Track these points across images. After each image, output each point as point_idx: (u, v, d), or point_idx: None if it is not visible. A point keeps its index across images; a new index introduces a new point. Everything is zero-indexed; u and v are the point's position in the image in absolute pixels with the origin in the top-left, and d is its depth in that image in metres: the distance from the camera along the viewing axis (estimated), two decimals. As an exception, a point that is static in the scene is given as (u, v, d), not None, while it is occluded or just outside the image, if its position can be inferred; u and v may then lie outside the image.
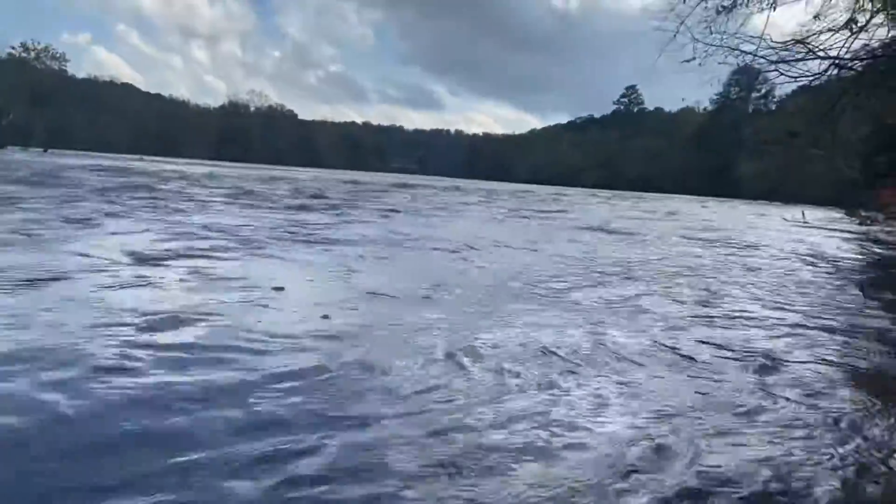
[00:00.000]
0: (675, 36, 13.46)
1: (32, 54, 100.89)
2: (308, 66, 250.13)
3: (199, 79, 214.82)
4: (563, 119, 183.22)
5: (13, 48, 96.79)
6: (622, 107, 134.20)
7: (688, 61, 13.28)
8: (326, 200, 17.77)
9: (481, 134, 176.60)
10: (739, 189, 77.76)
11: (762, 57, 13.12)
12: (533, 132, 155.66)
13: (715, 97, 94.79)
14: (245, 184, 24.35)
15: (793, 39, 12.73)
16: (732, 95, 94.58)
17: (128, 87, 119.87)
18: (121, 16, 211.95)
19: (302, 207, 14.40)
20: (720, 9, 13.91)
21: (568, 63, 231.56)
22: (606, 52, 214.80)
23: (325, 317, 4.07)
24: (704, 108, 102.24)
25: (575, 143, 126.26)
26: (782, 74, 12.98)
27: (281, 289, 4.81)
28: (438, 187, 39.44)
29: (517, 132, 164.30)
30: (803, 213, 21.81)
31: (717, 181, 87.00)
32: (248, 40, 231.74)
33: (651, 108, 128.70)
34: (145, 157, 61.86)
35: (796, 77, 13.17)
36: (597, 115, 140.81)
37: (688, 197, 63.42)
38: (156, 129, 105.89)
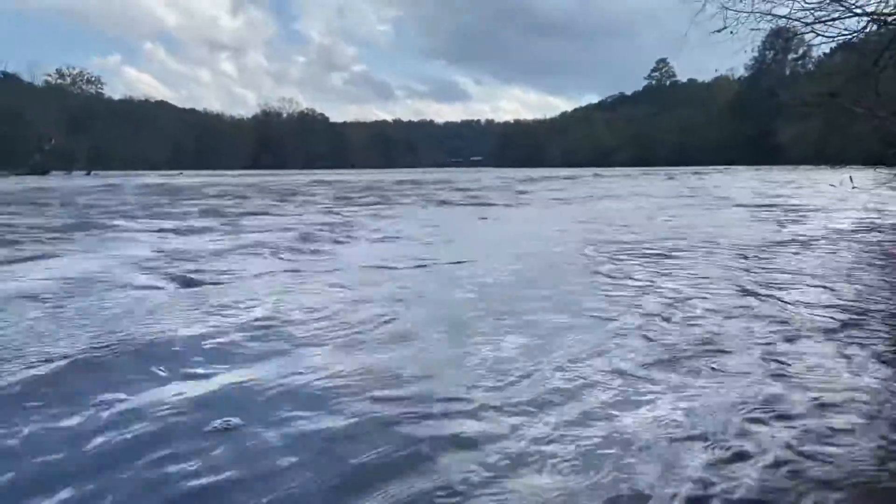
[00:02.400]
0: (703, 6, 13.11)
1: (68, 80, 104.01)
2: (333, 69, 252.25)
3: (229, 90, 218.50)
4: (594, 99, 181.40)
5: (49, 75, 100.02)
6: (654, 81, 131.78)
7: (719, 31, 12.94)
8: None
9: (512, 121, 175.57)
10: (780, 155, 75.67)
11: (797, 19, 12.72)
12: (564, 115, 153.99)
13: (750, 63, 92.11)
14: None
15: (827, -1, 12.35)
16: (768, 60, 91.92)
17: (163, 105, 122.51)
18: (146, 35, 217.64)
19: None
20: (748, -26, 13.47)
21: (592, 43, 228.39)
22: (631, 29, 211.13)
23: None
24: (740, 77, 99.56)
25: (607, 123, 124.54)
26: (819, 35, 12.58)
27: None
28: (511, 177, 39.26)
29: (548, 116, 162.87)
30: (851, 179, 21.11)
31: (757, 149, 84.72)
32: (273, 48, 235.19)
33: (684, 80, 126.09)
34: (185, 172, 63.32)
35: (834, 36, 12.76)
36: (628, 93, 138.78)
37: (734, 167, 61.79)
38: (192, 143, 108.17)
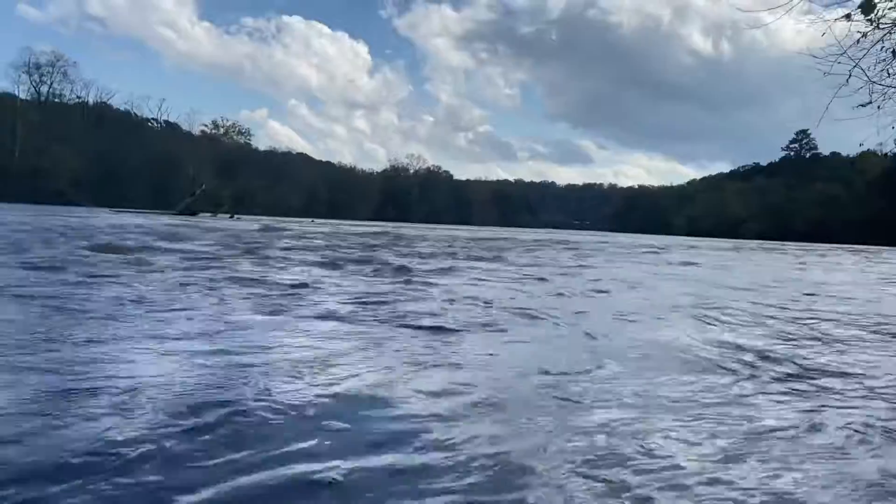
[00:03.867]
0: (847, 80, 12.71)
1: (222, 130, 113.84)
2: (459, 129, 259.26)
3: (361, 146, 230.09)
4: (723, 168, 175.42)
5: (205, 125, 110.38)
6: (792, 153, 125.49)
7: (863, 105, 12.47)
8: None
9: (636, 186, 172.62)
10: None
11: (951, 97, 12.08)
12: (692, 183, 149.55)
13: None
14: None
15: None
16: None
17: (303, 157, 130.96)
18: (292, 93, 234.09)
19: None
20: (896, 51, 12.93)
21: (723, 110, 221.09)
22: (767, 98, 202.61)
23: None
24: (889, 152, 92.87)
25: (738, 193, 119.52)
26: (977, 114, 11.90)
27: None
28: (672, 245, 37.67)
29: (674, 183, 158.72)
30: None
31: (908, 229, 78.06)
32: (404, 107, 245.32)
33: (826, 153, 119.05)
34: (316, 220, 67.40)
35: None
36: (763, 163, 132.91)
37: (887, 248, 56.69)
38: (326, 193, 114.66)
